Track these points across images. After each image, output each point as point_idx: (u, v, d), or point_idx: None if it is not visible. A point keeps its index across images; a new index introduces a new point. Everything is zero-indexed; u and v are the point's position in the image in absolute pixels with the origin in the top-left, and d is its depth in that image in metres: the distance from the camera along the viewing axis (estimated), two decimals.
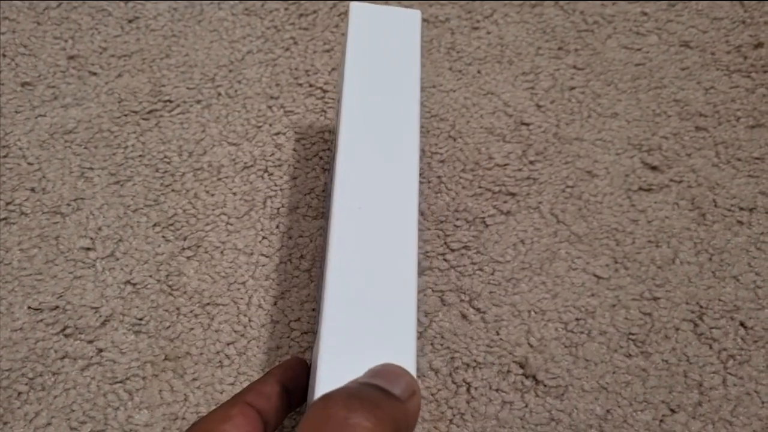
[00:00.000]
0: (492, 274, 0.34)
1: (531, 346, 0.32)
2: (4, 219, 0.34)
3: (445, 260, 0.34)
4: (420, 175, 0.37)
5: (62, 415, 0.30)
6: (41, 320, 0.32)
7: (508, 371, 0.32)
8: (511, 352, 0.32)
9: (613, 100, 0.40)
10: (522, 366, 0.32)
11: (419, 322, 0.33)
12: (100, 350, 0.31)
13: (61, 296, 0.33)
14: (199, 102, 0.38)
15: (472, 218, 0.36)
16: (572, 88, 0.40)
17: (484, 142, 0.38)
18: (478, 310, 0.33)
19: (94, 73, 0.39)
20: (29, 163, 0.36)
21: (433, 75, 0.40)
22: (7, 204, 0.35)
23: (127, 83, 0.39)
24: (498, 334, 0.33)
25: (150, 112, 0.38)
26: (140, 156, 0.36)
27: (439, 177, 0.37)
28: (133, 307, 0.32)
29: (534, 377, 0.32)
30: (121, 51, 0.40)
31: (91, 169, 0.36)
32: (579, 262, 0.35)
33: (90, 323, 0.32)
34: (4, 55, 0.39)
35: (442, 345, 0.32)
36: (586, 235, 0.35)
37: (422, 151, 0.37)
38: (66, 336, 0.32)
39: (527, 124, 0.39)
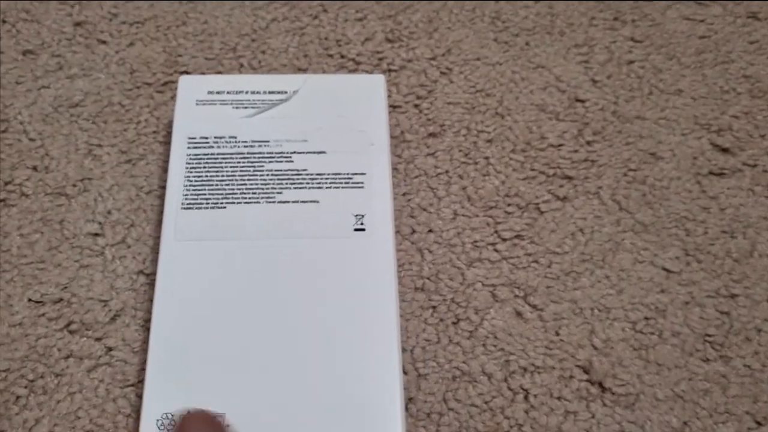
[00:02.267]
0: (549, 266, 0.30)
1: (595, 348, 0.29)
2: (3, 200, 0.31)
3: (496, 251, 0.31)
4: (465, 155, 0.33)
5: (66, 423, 0.26)
6: (43, 314, 0.28)
7: (571, 377, 0.28)
8: (574, 355, 0.28)
9: (676, 76, 0.36)
10: (586, 371, 0.28)
11: (469, 320, 0.29)
12: (110, 349, 0.28)
13: (65, 287, 0.29)
14: (219, 73, 0.34)
15: (524, 204, 0.32)
16: (630, 62, 0.36)
17: (535, 120, 0.34)
18: (534, 307, 0.29)
19: (103, 41, 0.35)
20: (31, 139, 0.32)
21: (477, 46, 0.36)
22: (6, 184, 0.31)
23: (140, 52, 0.35)
24: (558, 334, 0.29)
25: (165, 84, 0.34)
26: (154, 132, 0.33)
27: (486, 158, 0.33)
28: (146, 300, 0.29)
29: (600, 384, 0.28)
30: (132, 17, 0.36)
31: (100, 146, 0.32)
32: (646, 254, 0.31)
33: (98, 318, 0.28)
34: (4, 21, 0.35)
35: (495, 346, 0.28)
36: (652, 224, 0.32)
37: (467, 128, 0.34)
38: (71, 332, 0.28)
39: (582, 101, 0.35)
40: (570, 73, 0.36)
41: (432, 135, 0.33)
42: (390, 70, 0.35)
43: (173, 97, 0.34)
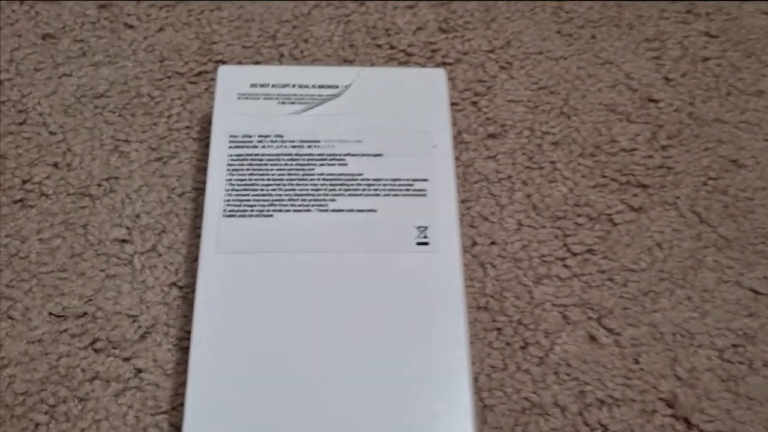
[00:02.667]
0: (625, 285, 0.27)
1: (679, 378, 0.26)
2: (20, 201, 0.28)
3: (566, 266, 0.28)
4: (530, 158, 0.30)
5: None
6: (65, 330, 0.25)
7: (654, 411, 0.25)
8: (656, 386, 0.26)
9: (757, 75, 0.33)
10: (670, 404, 0.25)
11: (539, 345, 0.26)
12: (140, 371, 0.25)
13: (90, 300, 0.26)
14: (257, 63, 0.31)
15: (596, 215, 0.29)
16: (706, 59, 0.33)
17: (604, 121, 0.31)
18: (610, 330, 0.26)
19: (131, 26, 0.32)
20: (51, 133, 0.29)
21: (538, 39, 0.33)
22: (24, 182, 0.28)
23: (171, 39, 0.32)
24: (637, 362, 0.26)
25: (198, 74, 0.31)
26: (187, 128, 0.30)
27: (552, 162, 0.30)
28: (180, 316, 0.26)
29: (686, 420, 0.25)
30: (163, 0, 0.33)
31: (127, 141, 0.29)
32: (731, 273, 0.28)
33: (126, 335, 0.25)
34: (22, 1, 0.32)
35: (568, 375, 0.25)
36: (736, 240, 0.29)
37: (530, 129, 0.31)
38: (96, 351, 0.25)
39: (655, 101, 0.32)
40: (641, 70, 0.32)
41: (492, 136, 0.30)
42: (445, 63, 0.32)
43: (208, 89, 0.31)
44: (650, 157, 0.30)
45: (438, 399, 0.22)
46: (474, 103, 0.31)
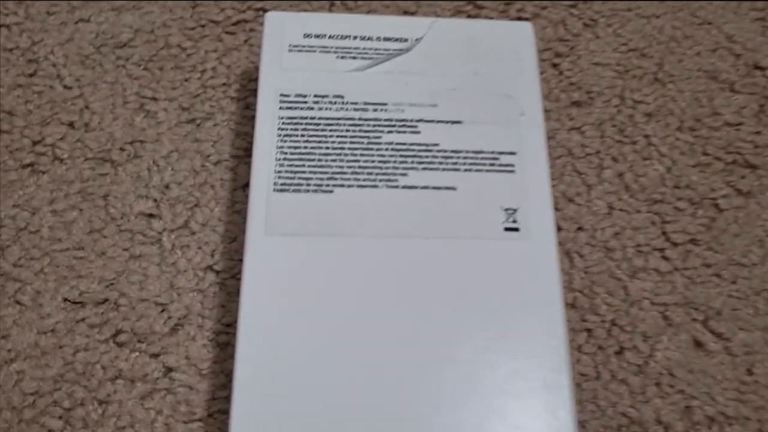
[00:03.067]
0: (734, 282, 0.23)
1: None
2: (30, 165, 0.24)
3: (665, 258, 0.24)
4: (620, 131, 0.26)
5: None
6: (83, 320, 0.22)
7: None
8: None
9: None
10: None
11: (636, 350, 0.22)
12: (170, 369, 0.21)
13: (111, 285, 0.22)
14: (304, 12, 0.27)
15: (698, 198, 0.25)
16: None
17: (704, 90, 0.27)
18: (718, 335, 0.23)
19: None
20: (66, 87, 0.25)
21: None
22: (35, 144, 0.24)
23: None
24: (750, 373, 0.22)
25: (237, 23, 0.27)
26: (224, 85, 0.26)
27: (646, 136, 0.26)
28: (216, 306, 0.22)
29: None
30: None
31: (155, 99, 0.25)
32: None
33: (155, 327, 0.22)
34: None
35: (671, 387, 0.22)
36: None
37: (620, 97, 0.26)
38: (119, 345, 0.21)
39: (762, 69, 0.27)
40: (745, 32, 0.28)
41: (576, 104, 0.26)
42: (520, 18, 0.28)
43: (247, 41, 0.26)
44: (758, 133, 0.26)
45: (533, 417, 0.18)
46: (555, 65, 0.27)
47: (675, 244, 0.24)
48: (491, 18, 0.28)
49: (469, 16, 0.27)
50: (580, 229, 0.24)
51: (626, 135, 0.26)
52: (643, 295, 0.23)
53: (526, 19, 0.28)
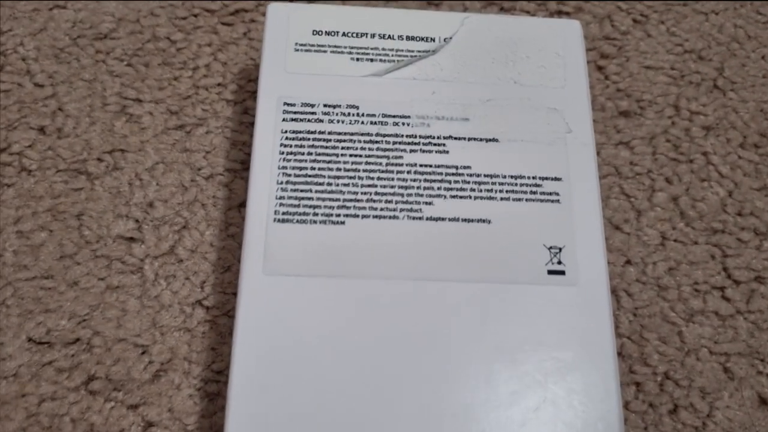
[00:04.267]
0: None
1: None
2: None
3: (727, 299, 0.21)
4: (675, 147, 0.22)
5: None
6: (50, 363, 0.19)
7: None
8: None
9: None
10: None
11: (693, 409, 0.19)
12: (150, 424, 0.18)
13: (84, 322, 0.19)
14: (312, 1, 0.24)
15: (764, 228, 0.22)
16: None
17: None
18: None
19: None
20: (37, 85, 0.22)
21: None
22: (0, 151, 0.21)
23: None
24: None
25: (235, 13, 0.23)
26: (219, 86, 0.22)
27: (705, 154, 0.22)
28: (205, 348, 0.19)
29: None
30: None
31: (139, 101, 0.22)
32: None
33: (133, 374, 0.19)
34: None
35: None
36: None
37: (674, 107, 0.23)
38: (92, 394, 0.18)
39: None
40: None
41: (624, 114, 0.23)
42: (560, 13, 0.24)
43: (246, 34, 0.23)
44: None
45: None
46: (600, 68, 0.23)
47: (737, 282, 0.21)
48: (527, 11, 0.24)
49: (502, 9, 0.24)
50: (628, 262, 0.21)
51: (681, 152, 0.22)
52: (701, 342, 0.20)
53: (567, 14, 0.24)
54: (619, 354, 0.20)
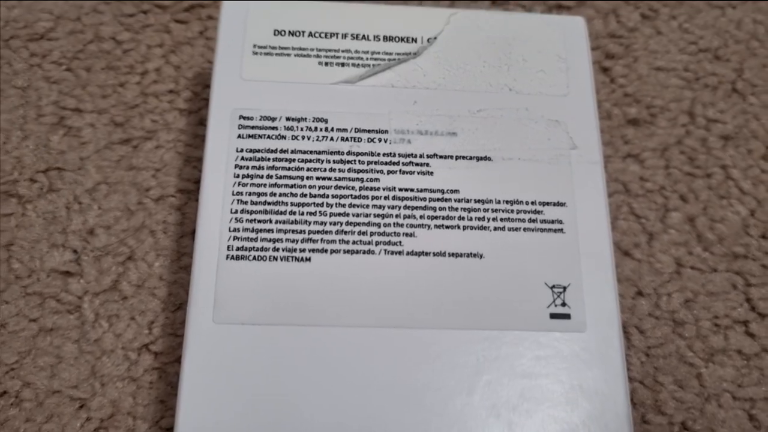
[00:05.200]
0: None
1: None
2: None
3: (751, 335, 0.18)
4: (690, 160, 0.20)
5: None
6: None
7: None
8: None
9: None
10: None
11: None
12: None
13: (12, 371, 0.16)
14: None
15: None
16: None
17: None
18: None
19: None
20: None
21: None
22: None
23: None
24: None
25: (189, 9, 0.21)
26: (171, 92, 0.20)
27: (724, 167, 0.20)
28: (153, 401, 0.16)
29: None
30: None
31: (79, 111, 0.19)
32: None
33: None
34: None
35: None
36: None
37: (689, 114, 0.20)
38: None
39: None
40: None
41: (633, 122, 0.20)
42: (560, 7, 0.22)
43: (203, 33, 0.20)
44: None
45: None
46: (605, 70, 0.21)
47: (763, 316, 0.18)
48: (522, 5, 0.21)
49: (495, 3, 0.21)
50: (639, 294, 0.18)
51: (698, 165, 0.20)
52: (723, 386, 0.17)
53: (568, 9, 0.21)
54: (631, 401, 0.17)
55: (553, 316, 0.14)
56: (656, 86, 0.21)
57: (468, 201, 0.15)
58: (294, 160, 0.15)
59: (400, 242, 0.15)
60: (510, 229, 0.15)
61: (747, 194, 0.20)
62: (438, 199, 0.15)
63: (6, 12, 0.20)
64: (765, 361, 0.18)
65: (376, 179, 0.15)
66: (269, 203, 0.15)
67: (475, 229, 0.15)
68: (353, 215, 0.15)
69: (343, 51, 0.16)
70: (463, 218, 0.15)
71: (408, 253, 0.15)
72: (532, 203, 0.15)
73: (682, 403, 0.17)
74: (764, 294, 0.18)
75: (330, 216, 0.15)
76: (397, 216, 0.15)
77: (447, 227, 0.15)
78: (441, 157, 0.16)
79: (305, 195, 0.15)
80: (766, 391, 0.17)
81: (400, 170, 0.15)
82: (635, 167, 0.20)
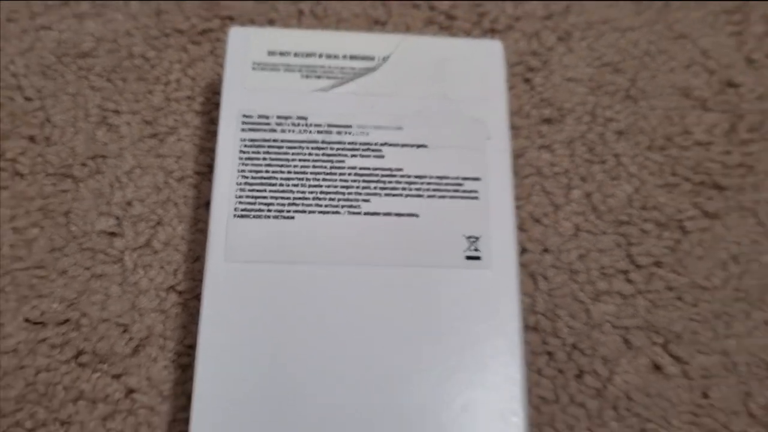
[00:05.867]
0: (695, 305, 0.24)
1: (752, 416, 0.22)
2: None
3: (629, 281, 0.24)
4: (590, 150, 0.26)
5: None
6: (44, 340, 0.22)
7: None
8: (726, 425, 0.22)
9: None
10: None
11: (596, 374, 0.22)
12: (131, 390, 0.21)
13: (72, 304, 0.22)
14: (272, 22, 0.27)
15: (665, 220, 0.25)
16: None
17: (676, 107, 0.27)
18: (677, 359, 0.23)
19: None
20: (27, 98, 0.25)
21: (603, 5, 0.28)
22: None
23: None
24: (706, 396, 0.22)
25: (202, 33, 0.26)
26: (188, 98, 0.25)
27: (616, 156, 0.26)
28: (178, 327, 0.22)
29: None
30: None
31: (117, 112, 0.25)
32: None
33: (116, 348, 0.22)
34: None
35: (628, 410, 0.22)
36: None
37: (591, 114, 0.26)
38: (81, 366, 0.21)
39: (736, 86, 0.27)
40: (720, 47, 0.28)
41: (547, 121, 0.26)
42: (493, 30, 0.27)
43: (213, 52, 0.26)
44: (728, 153, 0.26)
45: None
46: (527, 80, 0.27)
47: (639, 267, 0.24)
48: (464, 28, 0.27)
49: (441, 27, 0.27)
50: (545, 250, 0.24)
51: (596, 154, 0.26)
52: (605, 318, 0.23)
53: (499, 32, 0.27)
54: (535, 328, 0.23)
55: (468, 257, 0.20)
56: (566, 93, 0.26)
57: (409, 177, 0.21)
58: (282, 147, 0.21)
59: (360, 206, 0.20)
60: (439, 197, 0.21)
61: (633, 176, 0.25)
62: (387, 175, 0.21)
63: (58, 35, 0.26)
64: (638, 300, 0.24)
65: (342, 161, 0.21)
66: (264, 178, 0.21)
67: (414, 196, 0.21)
68: (325, 186, 0.21)
69: (319, 67, 0.22)
70: (405, 189, 0.21)
71: (365, 213, 0.20)
72: (455, 178, 0.21)
73: (573, 329, 0.23)
74: (641, 251, 0.24)
75: (308, 187, 0.20)
76: (357, 187, 0.21)
77: (393, 195, 0.21)
78: (390, 145, 0.21)
79: (290, 172, 0.21)
80: (637, 321, 0.23)
81: (360, 154, 0.21)
82: (547, 155, 0.25)
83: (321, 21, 0.27)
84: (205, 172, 0.24)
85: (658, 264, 0.24)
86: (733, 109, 0.27)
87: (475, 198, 0.21)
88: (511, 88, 0.26)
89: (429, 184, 0.21)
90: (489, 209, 0.21)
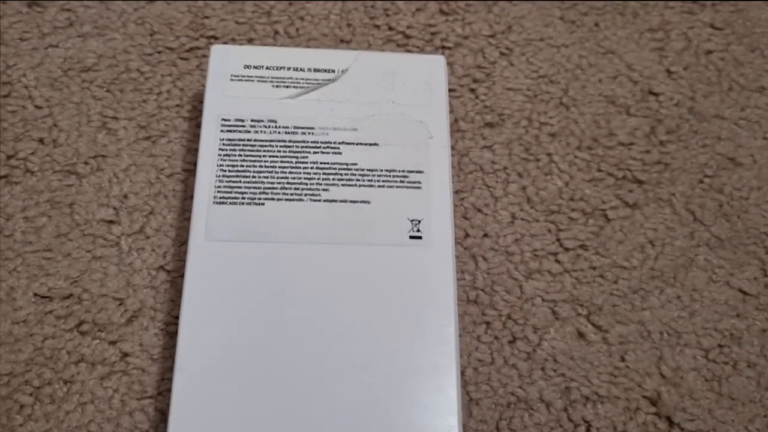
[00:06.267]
0: (615, 282, 0.27)
1: (664, 377, 0.26)
2: (5, 177, 0.27)
3: (558, 261, 0.27)
4: (526, 150, 0.29)
5: None
6: (51, 311, 0.25)
7: (637, 408, 0.25)
8: (640, 384, 0.26)
9: (759, 71, 0.32)
10: (654, 403, 0.25)
11: (527, 340, 0.26)
12: (125, 354, 0.25)
13: (75, 282, 0.26)
14: (251, 41, 0.30)
15: (590, 209, 0.29)
16: (709, 52, 0.33)
17: (603, 113, 0.31)
18: (598, 327, 0.27)
19: None
20: (37, 107, 0.29)
21: (540, 25, 0.32)
22: (9, 158, 0.27)
23: (162, 12, 0.31)
24: (623, 359, 0.26)
25: (190, 50, 0.30)
26: (177, 106, 0.29)
27: (549, 154, 0.29)
28: (167, 300, 0.26)
29: (668, 418, 0.25)
30: None
31: (116, 118, 0.29)
32: (721, 273, 0.28)
33: (113, 318, 0.25)
34: None
35: (555, 371, 0.26)
36: (729, 240, 0.29)
37: (528, 119, 0.30)
38: (82, 333, 0.25)
39: (656, 94, 0.31)
40: (643, 61, 0.32)
41: (489, 125, 0.30)
42: (444, 47, 0.31)
43: (199, 66, 0.30)
44: (647, 152, 0.30)
45: (425, 394, 0.22)
46: (472, 90, 0.30)
47: (567, 249, 0.28)
48: (417, 46, 0.31)
49: (398, 45, 0.31)
50: (485, 235, 0.28)
51: (531, 153, 0.29)
52: (536, 293, 0.27)
53: (449, 48, 0.31)
54: (475, 302, 0.27)
55: (411, 237, 0.24)
56: (507, 101, 0.30)
57: (362, 170, 0.25)
58: (255, 145, 0.25)
59: (320, 194, 0.24)
60: (388, 187, 0.24)
61: (563, 172, 0.29)
62: (344, 169, 0.25)
63: (64, 52, 0.30)
64: (565, 278, 0.27)
65: (306, 157, 0.25)
66: (240, 171, 0.24)
67: (366, 186, 0.24)
68: (291, 178, 0.24)
69: (287, 78, 0.26)
70: (359, 180, 0.24)
71: (325, 201, 0.24)
72: (402, 171, 0.25)
73: (508, 303, 0.27)
74: (568, 236, 0.28)
75: (277, 178, 0.24)
76: (318, 179, 0.24)
77: (349, 185, 0.24)
78: (347, 143, 0.25)
79: (262, 166, 0.24)
80: (564, 296, 0.27)
81: (321, 151, 0.25)
82: (488, 154, 0.29)
83: (294, 40, 0.31)
84: (192, 169, 0.28)
85: (583, 247, 0.28)
86: (654, 115, 0.31)
87: (419, 187, 0.25)
88: (458, 97, 0.30)
89: (379, 176, 0.25)
90: (430, 197, 0.24)
